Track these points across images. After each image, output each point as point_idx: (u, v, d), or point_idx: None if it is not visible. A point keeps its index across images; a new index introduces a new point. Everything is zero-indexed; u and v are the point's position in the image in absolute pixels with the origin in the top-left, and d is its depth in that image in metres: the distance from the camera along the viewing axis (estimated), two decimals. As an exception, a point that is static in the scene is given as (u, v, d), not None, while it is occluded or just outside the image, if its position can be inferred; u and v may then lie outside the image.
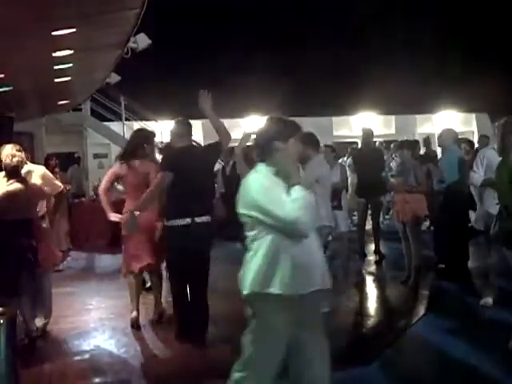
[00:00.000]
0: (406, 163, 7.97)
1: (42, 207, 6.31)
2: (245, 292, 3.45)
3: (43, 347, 5.82)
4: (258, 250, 3.40)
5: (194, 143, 6.06)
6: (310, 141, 6.97)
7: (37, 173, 6.39)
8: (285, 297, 3.36)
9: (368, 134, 10.06)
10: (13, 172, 5.76)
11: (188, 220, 5.50)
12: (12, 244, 5.62)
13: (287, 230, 3.34)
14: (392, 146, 12.84)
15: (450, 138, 8.29)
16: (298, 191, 3.39)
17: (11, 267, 5.60)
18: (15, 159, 5.76)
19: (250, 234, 3.46)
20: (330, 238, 7.83)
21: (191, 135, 5.95)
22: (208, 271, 5.75)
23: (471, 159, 8.20)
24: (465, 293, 7.45)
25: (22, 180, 5.82)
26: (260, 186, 3.39)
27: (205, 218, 5.59)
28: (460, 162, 7.91)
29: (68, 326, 6.53)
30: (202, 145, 6.34)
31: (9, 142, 6.38)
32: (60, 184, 6.63)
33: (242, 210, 3.46)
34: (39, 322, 6.13)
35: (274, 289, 3.36)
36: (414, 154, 8.46)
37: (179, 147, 5.84)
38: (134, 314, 6.41)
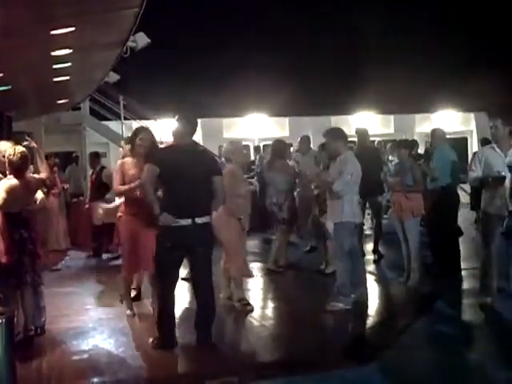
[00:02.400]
0: (403, 163, 7.98)
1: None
2: None
3: (42, 347, 5.81)
4: None
5: (195, 143, 5.98)
6: (341, 136, 7.04)
7: None
8: None
9: (363, 135, 10.02)
10: (14, 166, 5.83)
11: (189, 221, 5.41)
12: (13, 235, 5.73)
13: None
14: (388, 146, 12.89)
15: (440, 138, 8.45)
16: None
17: (13, 257, 5.70)
18: (19, 154, 5.84)
19: None
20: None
21: (192, 134, 5.78)
22: (211, 270, 5.69)
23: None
24: (464, 292, 7.47)
25: (21, 174, 5.87)
26: None
27: (205, 219, 5.51)
28: (453, 164, 8.04)
29: (66, 326, 6.52)
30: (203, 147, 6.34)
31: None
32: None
33: None
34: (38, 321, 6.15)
35: None
36: (411, 153, 8.51)
37: (175, 145, 5.73)
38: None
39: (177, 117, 5.76)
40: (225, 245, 7.00)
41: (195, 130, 5.79)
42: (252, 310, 6.84)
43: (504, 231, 6.62)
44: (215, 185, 5.62)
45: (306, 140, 11.08)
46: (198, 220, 5.43)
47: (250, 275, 7.32)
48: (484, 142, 10.93)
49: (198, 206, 5.48)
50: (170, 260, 5.53)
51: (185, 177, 5.41)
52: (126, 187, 6.35)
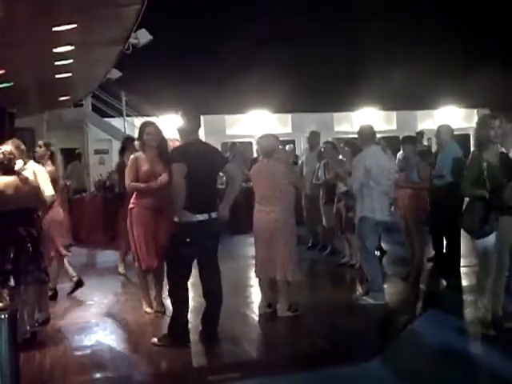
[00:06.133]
0: (409, 159, 7.93)
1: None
2: None
3: (44, 342, 5.83)
4: None
5: (201, 139, 5.96)
6: (363, 133, 7.08)
7: (30, 170, 6.51)
8: None
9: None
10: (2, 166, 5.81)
11: (205, 215, 5.46)
12: (10, 234, 5.68)
13: None
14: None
15: (448, 134, 8.31)
16: None
17: (9, 257, 5.66)
18: (2, 154, 5.83)
19: None
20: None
21: (198, 130, 5.81)
22: (217, 263, 5.73)
23: None
24: (465, 289, 7.47)
25: (13, 172, 5.86)
26: None
27: (216, 214, 5.58)
28: (455, 161, 7.89)
29: (69, 322, 6.55)
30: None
31: (10, 138, 6.46)
32: (49, 190, 6.57)
33: None
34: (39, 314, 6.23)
35: None
36: (415, 149, 8.45)
37: (189, 142, 5.69)
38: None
39: (180, 113, 5.76)
40: (285, 245, 6.42)
41: (199, 126, 5.83)
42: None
43: None
44: (231, 173, 5.85)
45: (314, 136, 10.98)
46: (213, 214, 5.53)
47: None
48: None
49: (212, 201, 5.62)
50: (185, 256, 5.50)
51: (201, 173, 5.45)
52: (143, 185, 6.35)
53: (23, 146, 6.64)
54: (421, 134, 13.34)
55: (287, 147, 13.25)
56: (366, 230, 6.83)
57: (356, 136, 7.63)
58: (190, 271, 5.63)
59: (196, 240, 5.44)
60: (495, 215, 5.37)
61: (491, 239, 5.43)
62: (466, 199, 5.87)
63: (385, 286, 7.05)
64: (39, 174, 6.54)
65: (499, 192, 5.36)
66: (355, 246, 8.22)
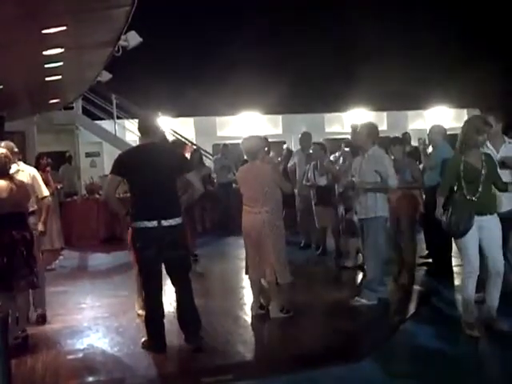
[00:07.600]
0: (400, 160, 7.94)
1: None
2: None
3: (36, 346, 5.80)
4: None
5: (157, 141, 5.69)
6: (372, 131, 7.09)
7: (27, 172, 6.58)
8: None
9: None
10: None
11: (154, 223, 5.27)
12: (3, 237, 5.65)
13: None
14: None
15: (440, 134, 8.30)
16: None
17: (2, 261, 5.64)
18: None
19: None
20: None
21: (155, 132, 5.65)
22: (187, 272, 5.55)
23: None
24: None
25: (7, 175, 5.84)
26: None
27: (173, 221, 5.34)
28: (445, 162, 7.87)
29: (61, 325, 6.52)
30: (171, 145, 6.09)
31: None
32: (46, 191, 6.62)
33: None
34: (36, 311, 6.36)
35: None
36: (404, 150, 8.46)
37: (140, 145, 5.69)
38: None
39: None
40: (273, 247, 6.38)
41: (155, 129, 5.68)
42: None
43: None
44: (191, 181, 5.57)
45: (306, 136, 10.97)
46: (165, 222, 5.29)
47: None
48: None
49: (165, 208, 5.35)
50: (145, 260, 5.45)
51: (150, 179, 5.32)
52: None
53: (16, 149, 6.67)
54: (408, 134, 13.39)
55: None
56: (380, 228, 6.88)
57: (347, 137, 7.66)
58: (156, 276, 5.47)
59: (147, 247, 5.33)
60: (469, 215, 5.44)
61: (469, 238, 5.51)
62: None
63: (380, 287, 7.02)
64: (35, 176, 6.57)
65: (476, 194, 5.46)
66: (354, 247, 8.25)
